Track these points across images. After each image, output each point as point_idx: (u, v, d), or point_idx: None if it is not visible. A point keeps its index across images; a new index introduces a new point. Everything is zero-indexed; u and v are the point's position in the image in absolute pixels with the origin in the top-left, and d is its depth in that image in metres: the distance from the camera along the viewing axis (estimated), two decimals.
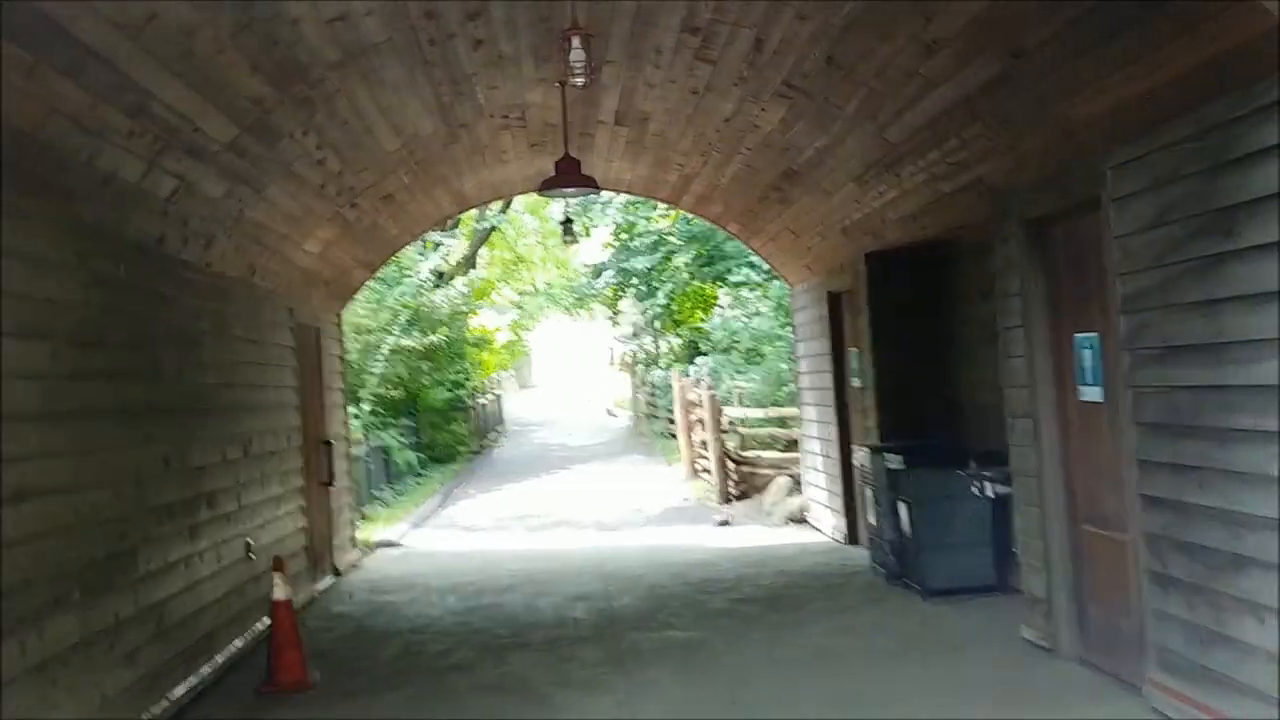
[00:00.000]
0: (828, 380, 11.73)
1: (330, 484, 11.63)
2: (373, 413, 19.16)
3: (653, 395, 26.99)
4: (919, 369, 9.83)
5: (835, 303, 11.43)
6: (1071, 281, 6.49)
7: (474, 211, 29.82)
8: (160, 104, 5.90)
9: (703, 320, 27.45)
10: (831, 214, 9.99)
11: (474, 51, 7.70)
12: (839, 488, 11.53)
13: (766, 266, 20.59)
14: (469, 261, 28.33)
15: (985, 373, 8.95)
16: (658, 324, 27.96)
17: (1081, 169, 5.96)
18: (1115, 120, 5.46)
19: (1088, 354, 6.28)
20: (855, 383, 10.97)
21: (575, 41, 6.03)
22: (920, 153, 7.58)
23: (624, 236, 26.24)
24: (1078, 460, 6.58)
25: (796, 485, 14.13)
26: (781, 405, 16.26)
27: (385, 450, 18.97)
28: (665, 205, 17.63)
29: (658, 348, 29.86)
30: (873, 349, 10.09)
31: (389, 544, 14.42)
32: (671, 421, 25.10)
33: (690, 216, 24.25)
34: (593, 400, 40.00)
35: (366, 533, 15.17)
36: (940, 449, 9.08)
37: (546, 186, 8.65)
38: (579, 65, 6.06)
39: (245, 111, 6.81)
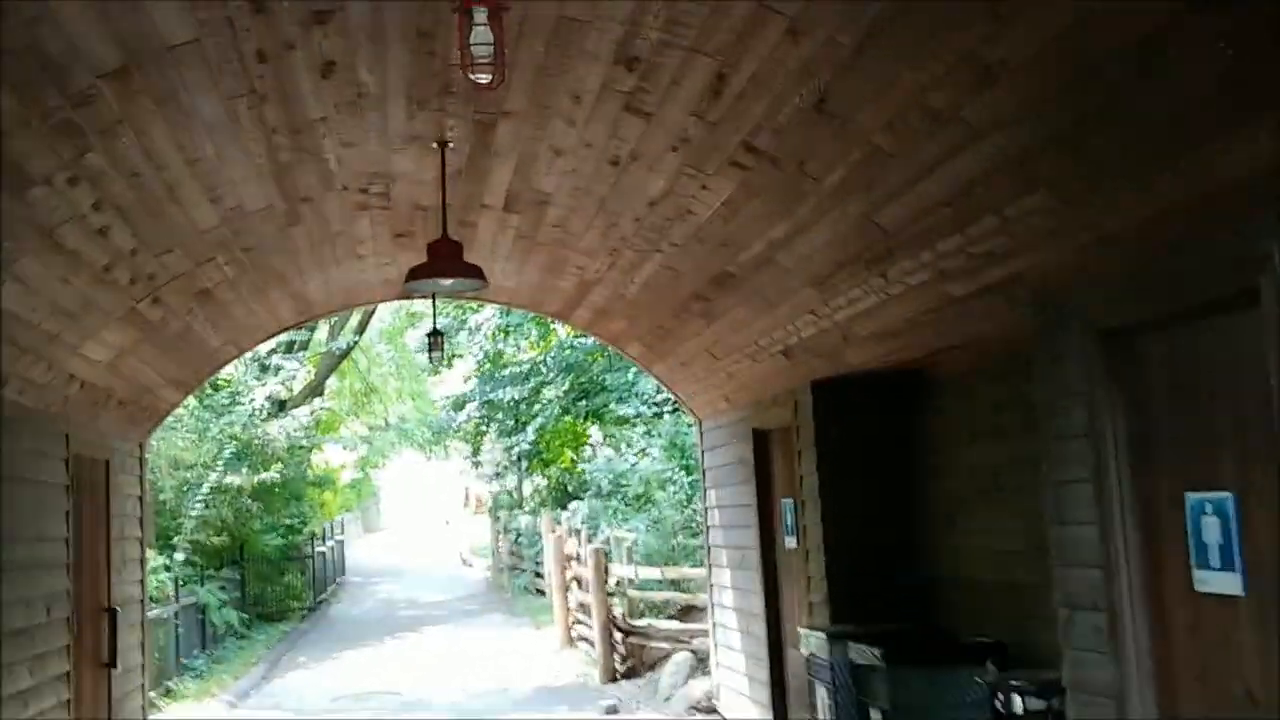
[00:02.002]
0: (749, 538, 9.60)
1: (112, 665, 8.88)
2: (188, 562, 16.20)
3: (517, 543, 24.41)
4: (882, 531, 7.81)
5: (763, 442, 9.38)
6: (1178, 418, 4.54)
7: (322, 333, 27.34)
8: None
9: (574, 460, 25.20)
10: (772, 330, 8.00)
11: (322, 80, 5.53)
12: (764, 674, 9.30)
13: (659, 399, 18.62)
14: (315, 390, 25.60)
15: (979, 539, 6.95)
16: (524, 463, 25.55)
17: (1218, 251, 4.05)
18: None
19: (1212, 523, 4.30)
20: (790, 543, 8.87)
21: (479, 15, 3.90)
22: (926, 242, 5.64)
23: (489, 366, 23.98)
24: (1187, 678, 4.54)
25: (700, 664, 11.84)
26: (677, 563, 14.02)
27: (201, 608, 15.98)
28: (551, 320, 15.59)
29: (522, 489, 27.37)
30: (820, 502, 8.01)
31: None
32: (538, 575, 22.56)
33: (570, 342, 22.28)
34: (447, 547, 36.97)
35: (170, 717, 12.27)
36: (924, 638, 7.00)
37: (416, 276, 6.46)
38: (484, 53, 3.92)
39: None
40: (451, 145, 6.57)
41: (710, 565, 10.99)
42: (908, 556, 7.73)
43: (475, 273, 6.58)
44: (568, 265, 9.03)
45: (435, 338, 10.56)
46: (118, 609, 9.01)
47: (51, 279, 6.18)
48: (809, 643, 7.55)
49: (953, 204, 5.27)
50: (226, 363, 10.75)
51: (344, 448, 37.74)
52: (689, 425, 16.63)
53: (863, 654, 6.79)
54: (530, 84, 5.70)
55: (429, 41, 5.23)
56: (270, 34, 4.96)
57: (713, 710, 10.91)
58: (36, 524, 7.38)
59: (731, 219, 6.76)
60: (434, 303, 10.03)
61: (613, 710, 11.70)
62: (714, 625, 10.97)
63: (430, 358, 10.74)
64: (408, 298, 10.73)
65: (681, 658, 11.92)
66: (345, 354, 28.03)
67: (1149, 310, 4.56)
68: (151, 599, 14.39)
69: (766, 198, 6.28)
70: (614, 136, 6.23)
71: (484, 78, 3.99)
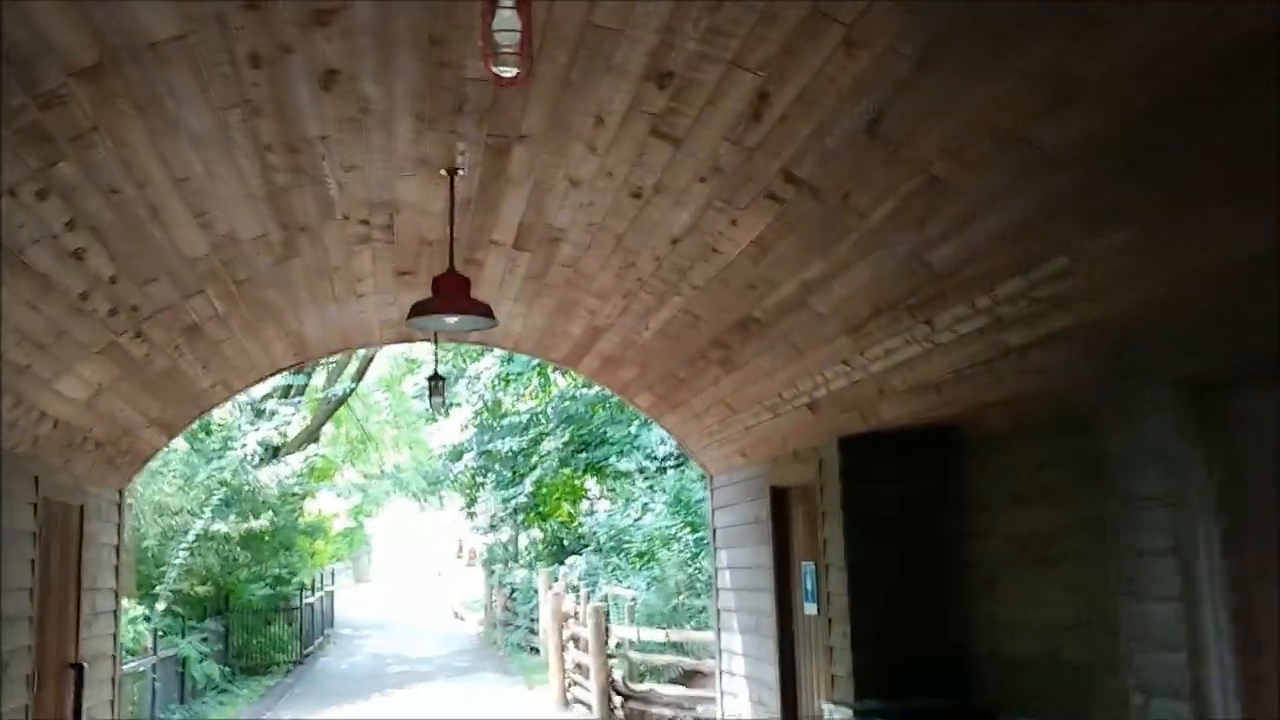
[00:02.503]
0: (764, 602, 8.99)
1: None
2: (169, 613, 15.53)
3: (511, 598, 23.69)
4: (913, 599, 7.21)
5: (781, 501, 8.81)
6: (1277, 483, 4.00)
7: (319, 379, 26.79)
8: None
9: (571, 514, 24.56)
10: (797, 380, 7.47)
11: (322, 91, 5.04)
12: None
13: (661, 454, 18.05)
14: (311, 436, 25.01)
15: (1022, 610, 6.37)
16: (520, 516, 24.89)
17: None
18: None
19: None
20: (809, 610, 8.27)
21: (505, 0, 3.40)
22: (983, 285, 5.12)
23: (487, 416, 23.40)
24: None
25: None
26: (680, 624, 13.37)
27: (180, 661, 15.28)
28: (555, 368, 15.07)
29: (518, 543, 26.68)
30: (845, 567, 7.42)
31: None
32: (533, 631, 21.85)
33: (571, 392, 21.69)
34: (438, 600, 36.15)
35: None
36: (959, 718, 6.40)
37: (420, 312, 5.94)
38: (509, 42, 3.41)
39: None
40: (461, 173, 6.08)
41: (719, 629, 10.37)
42: (940, 628, 7.13)
43: (483, 310, 6.06)
44: (578, 308, 8.52)
45: (435, 382, 10.02)
46: (85, 664, 8.38)
47: (18, 304, 5.64)
48: (833, 719, 6.94)
49: (1018, 241, 4.76)
50: (216, 405, 10.20)
51: (338, 495, 37.09)
52: (694, 481, 16.09)
53: None
54: (550, 102, 5.21)
55: (441, 50, 4.75)
56: (265, 35, 4.47)
57: None
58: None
59: (761, 258, 6.25)
60: (435, 345, 9.51)
61: None
62: (722, 694, 10.32)
63: (430, 403, 10.19)
64: (409, 340, 10.21)
65: None
66: (342, 400, 27.47)
67: (1245, 362, 4.04)
68: (128, 651, 13.72)
69: (802, 234, 5.77)
70: (638, 165, 5.73)
71: (509, 70, 3.47)
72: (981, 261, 5.02)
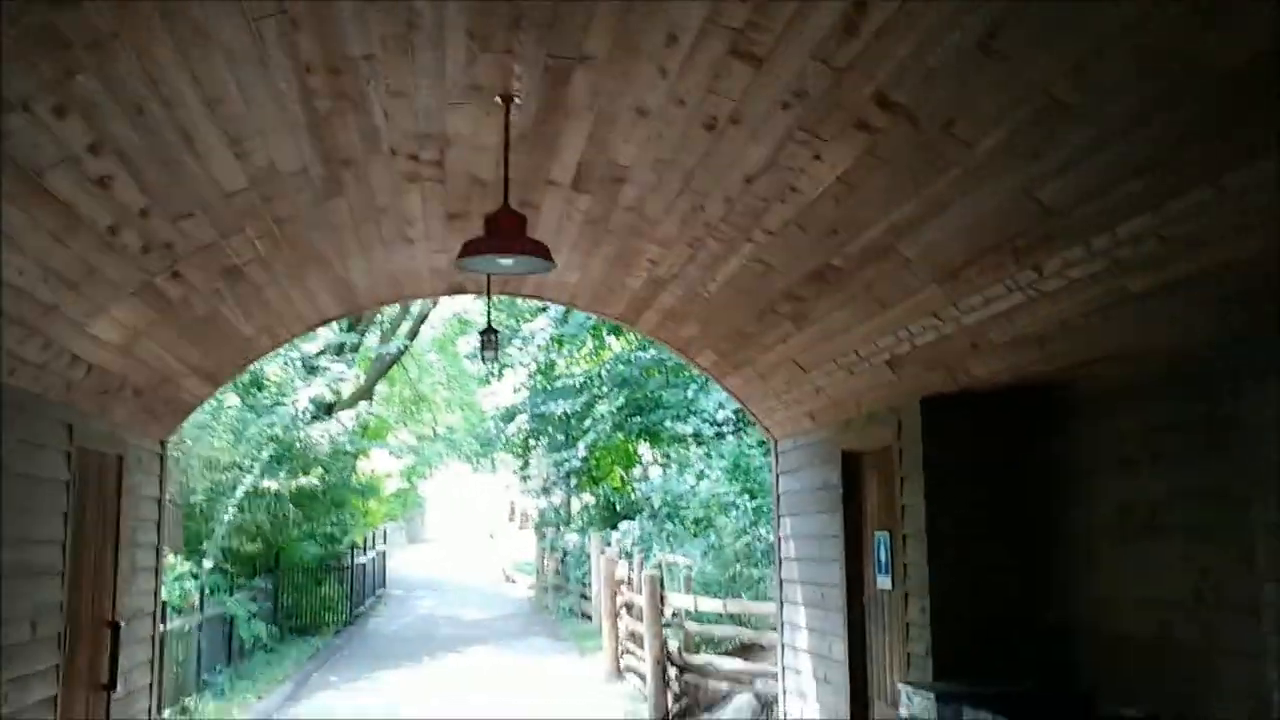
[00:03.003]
0: (832, 574, 8.48)
1: (112, 687, 7.93)
2: (217, 570, 15.31)
3: (563, 563, 23.36)
4: (1002, 573, 6.68)
5: (854, 466, 8.27)
6: None
7: (373, 340, 26.53)
8: None
9: (624, 479, 24.15)
10: (878, 336, 6.91)
11: (366, 2, 4.54)
12: None
13: (720, 418, 17.53)
14: (364, 394, 24.76)
15: (1127, 586, 5.80)
16: (572, 480, 24.52)
17: None
18: None
19: None
20: (883, 583, 7.74)
21: None
22: (1103, 223, 4.53)
23: (540, 378, 22.99)
24: None
25: (765, 710, 10.72)
26: (737, 594, 12.89)
27: (228, 620, 15.07)
28: (612, 325, 14.60)
29: (569, 507, 26.33)
30: (926, 537, 6.88)
31: None
32: (584, 596, 21.51)
33: (626, 356, 21.20)
34: (490, 562, 36.02)
35: None
36: (1055, 704, 5.86)
37: (471, 252, 5.45)
38: None
39: None
40: (518, 100, 5.56)
41: (782, 601, 9.87)
42: (1033, 604, 6.58)
43: (541, 251, 5.55)
44: (640, 258, 8.00)
45: (488, 336, 9.54)
46: (122, 623, 8.06)
47: (41, 235, 5.23)
48: (911, 702, 6.41)
49: (1149, 173, 4.16)
50: (261, 355, 9.82)
51: (391, 455, 37.00)
52: (752, 447, 15.57)
53: None
54: (617, 17, 4.68)
55: None
56: None
57: None
58: (32, 524, 6.45)
59: (846, 198, 5.69)
60: (488, 298, 9.04)
61: None
62: (784, 669, 9.84)
63: (482, 358, 9.71)
64: (461, 290, 9.74)
65: (743, 701, 10.80)
66: (396, 359, 27.22)
67: None
68: (174, 609, 13.50)
69: (894, 169, 5.20)
70: (712, 91, 5.18)
71: None
72: (1103, 197, 4.43)
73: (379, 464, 34.89)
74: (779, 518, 9.98)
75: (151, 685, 9.18)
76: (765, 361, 8.78)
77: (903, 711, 6.52)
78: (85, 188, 5.15)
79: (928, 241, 5.61)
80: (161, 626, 10.71)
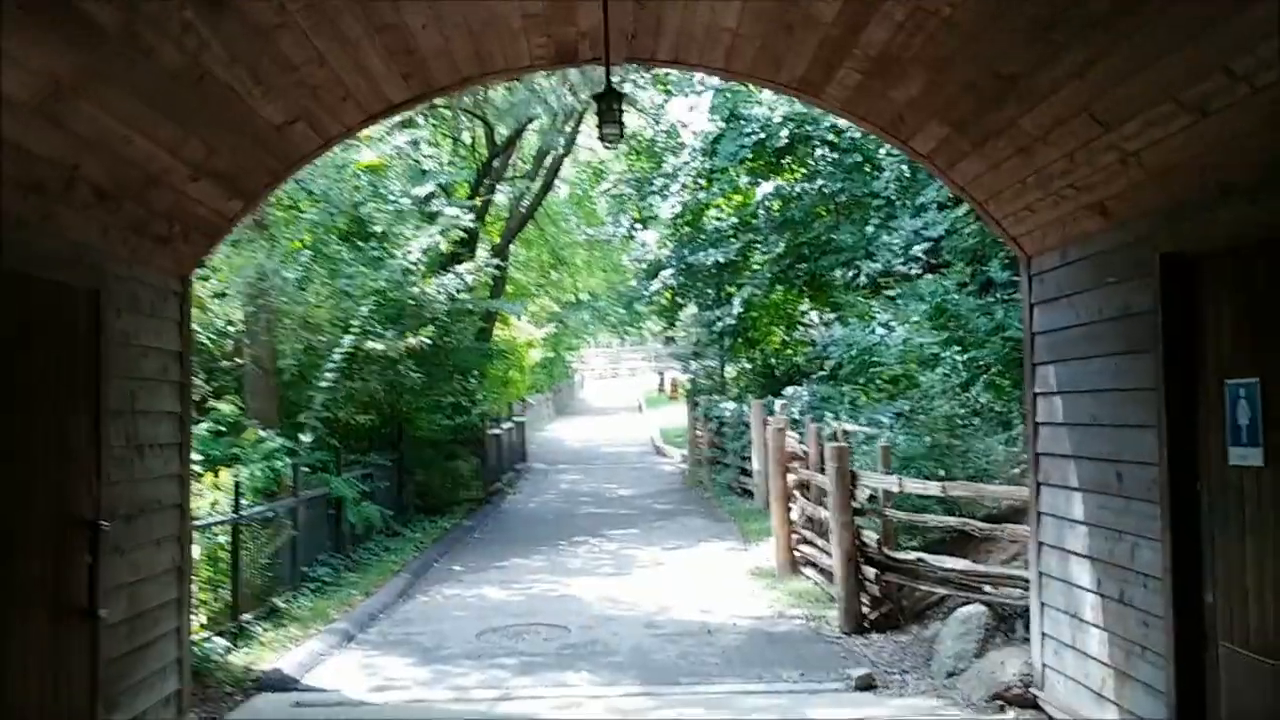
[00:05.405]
0: (1143, 445, 5.54)
1: (94, 613, 5.61)
2: (320, 445, 13.12)
3: (719, 434, 20.77)
4: None
5: (1185, 278, 5.26)
6: None
7: (502, 199, 24.09)
8: None
9: (783, 341, 21.30)
10: (1244, 49, 3.85)
11: None
12: (1160, 676, 5.36)
13: (922, 250, 14.40)
14: (499, 252, 22.36)
15: None
16: (726, 342, 21.78)
17: None
18: None
19: None
20: (1245, 457, 4.80)
21: None
22: None
23: (688, 222, 20.12)
24: None
25: (1001, 626, 7.93)
26: (949, 472, 10.00)
27: (333, 502, 12.94)
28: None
29: (723, 373, 23.65)
30: None
31: (282, 683, 8.40)
32: (744, 471, 18.93)
33: (787, 189, 18.12)
34: (640, 435, 33.84)
35: (257, 653, 9.21)
36: None
37: None
38: None
39: None
40: None
41: (1037, 484, 6.98)
42: None
43: None
44: None
45: (608, 104, 6.72)
46: (104, 523, 5.69)
47: None
48: None
49: None
50: (307, 157, 7.18)
51: (532, 322, 34.90)
52: (959, 289, 12.50)
53: None
54: None
55: None
56: None
57: (1032, 704, 7.02)
58: None
59: None
60: (605, 49, 6.19)
61: (867, 684, 7.95)
62: (1039, 576, 7.01)
63: (601, 135, 6.94)
64: (570, 58, 6.87)
65: (971, 613, 8.01)
66: (529, 215, 24.77)
67: None
68: (261, 492, 11.38)
69: None
70: None
71: None
72: None
73: (520, 332, 32.87)
74: (1033, 367, 7.02)
75: (180, 600, 6.90)
76: (1032, 124, 5.74)
77: None
78: None
79: None
80: (197, 520, 8.55)
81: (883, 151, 16.85)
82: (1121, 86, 4.92)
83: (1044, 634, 6.99)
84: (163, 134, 5.61)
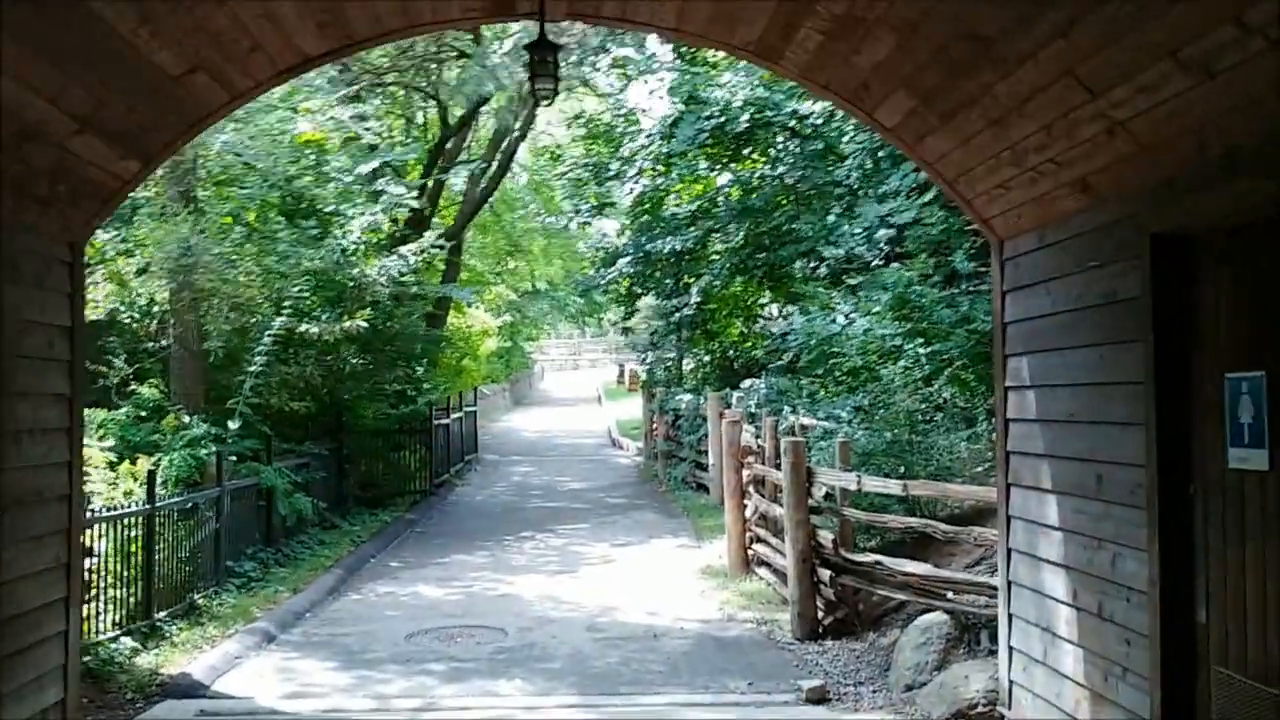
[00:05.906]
0: (1128, 444, 5.03)
1: None
2: (246, 432, 12.42)
3: (675, 427, 20.21)
4: None
5: (1175, 258, 4.74)
6: None
7: (459, 182, 23.37)
8: None
9: (742, 333, 20.78)
10: (1235, 4, 3.33)
11: None
12: (1144, 701, 4.85)
13: (885, 239, 13.89)
14: (453, 238, 21.64)
15: None
16: (684, 332, 21.21)
17: None
18: None
19: None
20: (1244, 458, 4.30)
21: None
22: None
23: (646, 209, 19.53)
24: None
25: (962, 635, 7.42)
26: (910, 469, 9.49)
27: (266, 492, 12.26)
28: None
29: (680, 365, 23.09)
30: None
31: (189, 689, 7.78)
32: (699, 466, 18.41)
33: (748, 175, 17.58)
34: (596, 427, 33.23)
35: (167, 655, 8.57)
36: None
37: None
38: None
39: None
40: None
41: (1007, 484, 6.47)
42: None
43: None
44: None
45: (540, 55, 6.10)
46: None
47: None
48: None
49: None
50: (214, 114, 6.54)
51: (489, 311, 34.19)
52: (918, 281, 11.99)
53: None
54: None
55: None
56: None
57: None
58: None
59: None
60: (541, 10, 5.57)
61: (819, 697, 7.43)
62: (1008, 584, 6.50)
63: (533, 90, 6.29)
64: (507, 10, 6.26)
65: (932, 621, 7.50)
66: (484, 200, 24.06)
67: None
68: (184, 482, 10.71)
69: None
70: None
71: None
72: None
73: (475, 320, 32.16)
74: (1004, 359, 6.51)
75: (68, 601, 6.24)
76: (1007, 92, 5.21)
77: None
78: None
79: None
80: (90, 512, 7.92)
81: (846, 139, 16.34)
82: (1112, 46, 4.39)
83: (1012, 648, 6.48)
84: (36, 78, 4.96)
